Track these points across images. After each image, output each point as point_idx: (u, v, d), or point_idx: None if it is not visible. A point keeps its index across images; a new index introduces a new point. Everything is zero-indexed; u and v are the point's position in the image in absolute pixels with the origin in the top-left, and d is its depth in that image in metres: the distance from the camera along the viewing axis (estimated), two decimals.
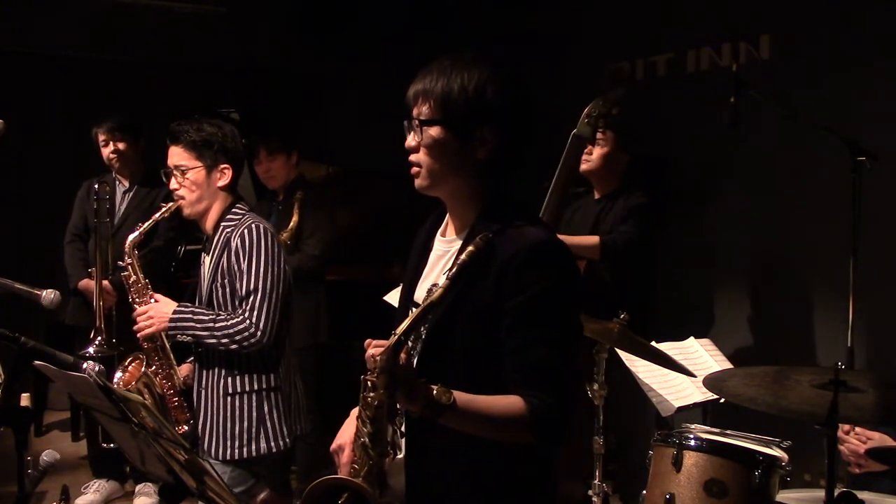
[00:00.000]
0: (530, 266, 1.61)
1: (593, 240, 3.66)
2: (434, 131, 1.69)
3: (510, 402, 1.60)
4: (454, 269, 1.60)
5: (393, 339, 1.52)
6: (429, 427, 1.62)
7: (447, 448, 1.68)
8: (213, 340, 2.63)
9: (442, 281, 1.61)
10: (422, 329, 1.71)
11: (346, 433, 1.78)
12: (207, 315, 2.67)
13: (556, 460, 1.79)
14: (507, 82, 1.68)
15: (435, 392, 1.54)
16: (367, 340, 1.58)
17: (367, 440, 1.56)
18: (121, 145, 4.23)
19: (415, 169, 1.73)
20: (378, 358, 1.52)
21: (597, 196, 3.93)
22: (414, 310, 1.59)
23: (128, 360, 2.94)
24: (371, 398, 1.54)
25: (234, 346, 2.62)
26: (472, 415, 1.58)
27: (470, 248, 1.61)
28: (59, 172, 5.19)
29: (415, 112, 1.72)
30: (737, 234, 4.35)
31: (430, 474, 1.72)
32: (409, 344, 1.73)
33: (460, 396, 1.56)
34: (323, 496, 1.56)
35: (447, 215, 1.83)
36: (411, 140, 1.72)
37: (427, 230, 1.89)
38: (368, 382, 1.54)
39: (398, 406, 1.57)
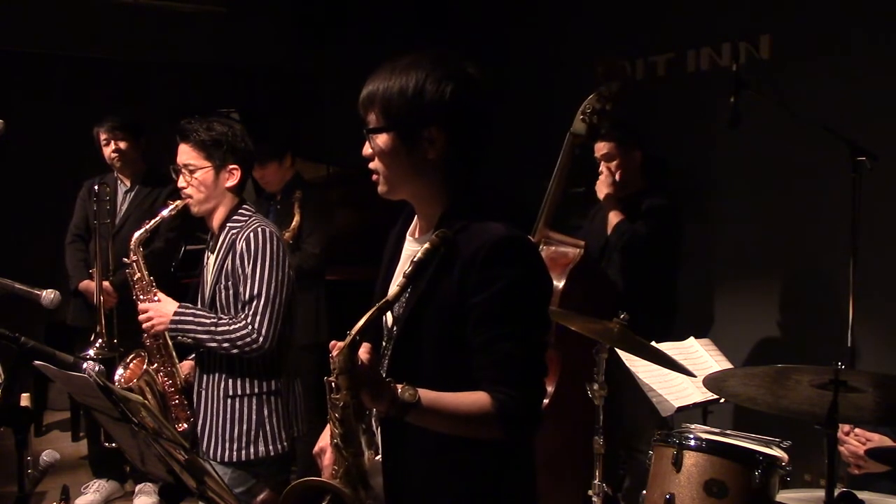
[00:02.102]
0: (493, 262, 1.60)
1: (616, 218, 3.71)
2: (381, 139, 1.68)
3: (477, 399, 1.59)
4: (410, 268, 1.59)
5: (348, 338, 1.51)
6: (402, 426, 1.61)
7: (422, 447, 1.67)
8: (215, 344, 2.62)
9: (399, 279, 1.61)
10: (393, 329, 1.71)
11: (327, 436, 1.78)
12: (209, 318, 2.66)
13: (533, 456, 1.78)
14: (447, 79, 1.64)
15: (399, 391, 1.53)
16: (332, 342, 1.57)
17: (339, 441, 1.56)
18: (122, 144, 4.24)
19: (374, 176, 1.74)
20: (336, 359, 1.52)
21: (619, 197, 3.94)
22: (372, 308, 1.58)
23: (129, 357, 2.94)
24: (336, 399, 1.53)
25: (235, 351, 2.61)
26: (439, 412, 1.57)
27: (426, 245, 1.60)
28: (60, 172, 5.19)
29: (366, 120, 1.72)
30: (737, 234, 4.35)
31: (407, 474, 1.71)
32: (384, 343, 1.73)
33: (425, 394, 1.55)
34: (299, 498, 1.56)
35: (416, 216, 1.82)
36: (367, 149, 1.72)
37: (398, 231, 1.89)
38: (332, 384, 1.54)
39: (365, 406, 1.56)
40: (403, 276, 1.59)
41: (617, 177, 3.85)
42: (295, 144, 4.41)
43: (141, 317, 2.76)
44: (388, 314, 1.71)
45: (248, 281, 2.64)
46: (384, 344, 1.75)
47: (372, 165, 1.73)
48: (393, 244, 1.88)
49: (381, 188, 1.74)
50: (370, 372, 1.54)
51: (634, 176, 3.89)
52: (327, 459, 1.76)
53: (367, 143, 1.72)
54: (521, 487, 1.76)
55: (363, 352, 1.53)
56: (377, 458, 1.71)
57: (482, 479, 1.69)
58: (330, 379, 1.54)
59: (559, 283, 3.58)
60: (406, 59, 1.68)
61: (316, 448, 1.86)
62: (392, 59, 1.70)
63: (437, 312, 1.64)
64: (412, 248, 1.79)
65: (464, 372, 1.63)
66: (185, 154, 2.72)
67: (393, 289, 1.59)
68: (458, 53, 1.71)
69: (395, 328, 1.72)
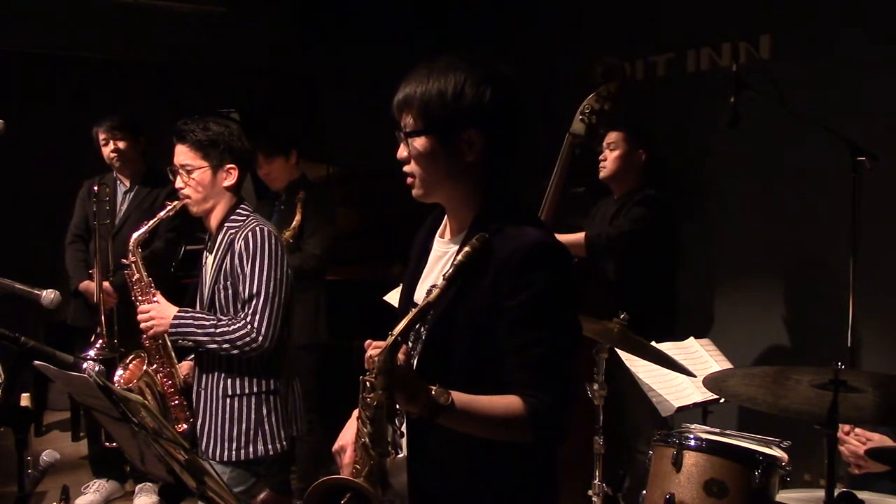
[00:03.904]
0: (528, 266, 1.61)
1: (578, 236, 3.68)
2: (420, 142, 1.68)
3: (509, 403, 1.60)
4: (451, 270, 1.60)
5: (390, 339, 1.52)
6: (430, 427, 1.61)
7: (449, 448, 1.68)
8: (215, 346, 2.62)
9: (439, 282, 1.61)
10: (422, 330, 1.71)
11: (348, 434, 1.79)
12: (209, 320, 2.66)
13: (557, 460, 1.79)
14: (485, 81, 1.65)
15: (433, 393, 1.54)
16: (367, 341, 1.58)
17: (367, 440, 1.57)
18: (121, 144, 4.24)
19: (409, 179, 1.74)
20: (376, 358, 1.52)
21: (615, 196, 3.94)
22: (412, 310, 1.59)
23: (129, 358, 2.94)
24: (370, 399, 1.54)
25: (235, 351, 2.62)
26: (471, 415, 1.58)
27: (466, 248, 1.61)
28: (60, 172, 5.19)
29: (401, 123, 1.72)
30: (737, 234, 4.35)
31: (433, 474, 1.72)
32: (410, 345, 1.73)
33: (458, 397, 1.56)
34: (324, 496, 1.56)
35: (445, 216, 1.83)
36: (402, 151, 1.72)
37: (426, 231, 1.89)
38: (367, 383, 1.55)
39: (397, 406, 1.57)
40: (444, 279, 1.59)
41: (610, 165, 3.85)
42: (299, 143, 4.42)
43: (141, 316, 2.76)
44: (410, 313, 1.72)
45: (247, 280, 2.64)
46: (410, 344, 1.74)
47: (407, 168, 1.73)
48: (421, 244, 1.88)
49: (416, 191, 1.74)
50: (408, 373, 1.55)
51: (632, 173, 3.88)
52: (348, 457, 1.76)
53: (402, 146, 1.72)
54: (545, 489, 1.77)
55: (400, 353, 1.53)
56: (399, 457, 1.72)
57: (507, 480, 1.70)
58: (366, 378, 1.55)
59: None
60: (442, 61, 1.68)
61: (336, 446, 1.85)
62: (427, 62, 1.70)
63: (468, 314, 1.65)
64: (441, 249, 1.80)
65: (493, 374, 1.63)
66: (182, 154, 2.72)
67: (434, 291, 1.59)
68: (492, 56, 1.71)
69: (423, 329, 1.72)
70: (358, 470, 1.60)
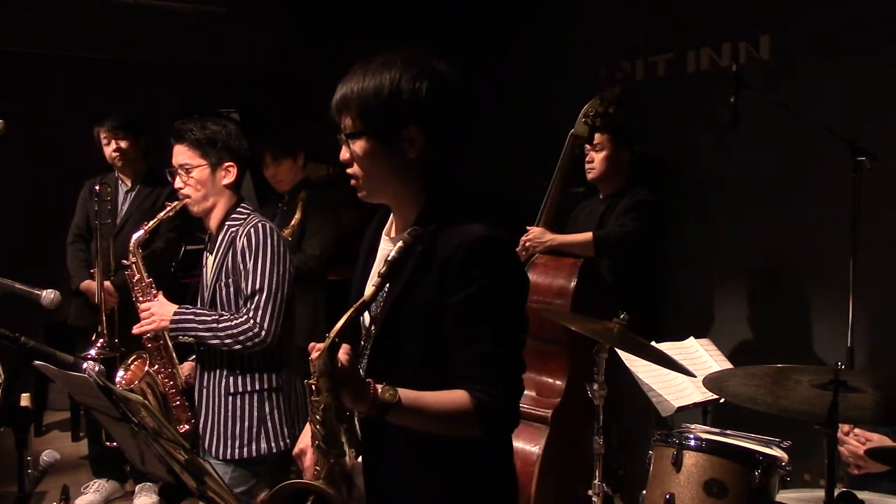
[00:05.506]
0: (471, 262, 1.60)
1: (586, 236, 3.67)
2: (360, 143, 1.68)
3: (456, 397, 1.59)
4: (385, 267, 1.58)
5: (327, 341, 1.51)
6: (383, 426, 1.61)
7: (402, 446, 1.68)
8: (217, 341, 2.63)
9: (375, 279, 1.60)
10: (372, 328, 1.71)
11: (307, 437, 1.79)
12: (210, 315, 2.66)
13: (512, 454, 1.80)
14: (421, 76, 1.64)
15: (380, 391, 1.53)
16: (311, 344, 1.57)
17: (321, 443, 1.57)
18: (123, 143, 4.25)
19: (353, 181, 1.73)
20: (317, 361, 1.51)
21: (602, 196, 3.95)
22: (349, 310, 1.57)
23: (131, 359, 2.95)
24: (317, 402, 1.53)
25: (237, 346, 2.62)
26: (419, 411, 1.58)
27: (399, 244, 1.59)
28: (60, 172, 5.19)
29: (341, 125, 1.71)
30: (736, 234, 4.35)
31: (387, 473, 1.72)
32: (363, 343, 1.74)
33: (405, 394, 1.55)
34: (287, 501, 1.56)
35: (392, 214, 1.82)
36: (344, 153, 1.72)
37: (373, 230, 1.89)
38: (313, 386, 1.54)
39: (346, 407, 1.56)
40: (378, 276, 1.58)
41: (598, 166, 3.85)
42: (306, 146, 4.45)
43: (143, 314, 2.76)
44: (366, 314, 1.71)
45: (250, 276, 2.64)
46: (362, 343, 1.75)
47: (350, 171, 1.72)
48: (368, 243, 1.88)
49: (361, 193, 1.74)
50: (350, 373, 1.54)
51: (620, 172, 3.89)
52: (308, 461, 1.77)
53: (343, 148, 1.72)
54: (501, 485, 1.77)
55: (342, 353, 1.53)
56: (360, 458, 1.72)
57: (462, 477, 1.70)
58: (310, 382, 1.54)
59: (570, 283, 3.55)
60: (377, 60, 1.67)
61: (296, 450, 1.86)
62: (363, 62, 1.68)
63: (415, 312, 1.65)
64: (388, 248, 1.78)
65: (442, 370, 1.63)
66: (181, 154, 2.73)
67: (369, 289, 1.58)
68: (427, 51, 1.71)
69: (372, 328, 1.72)
70: (318, 472, 1.60)
